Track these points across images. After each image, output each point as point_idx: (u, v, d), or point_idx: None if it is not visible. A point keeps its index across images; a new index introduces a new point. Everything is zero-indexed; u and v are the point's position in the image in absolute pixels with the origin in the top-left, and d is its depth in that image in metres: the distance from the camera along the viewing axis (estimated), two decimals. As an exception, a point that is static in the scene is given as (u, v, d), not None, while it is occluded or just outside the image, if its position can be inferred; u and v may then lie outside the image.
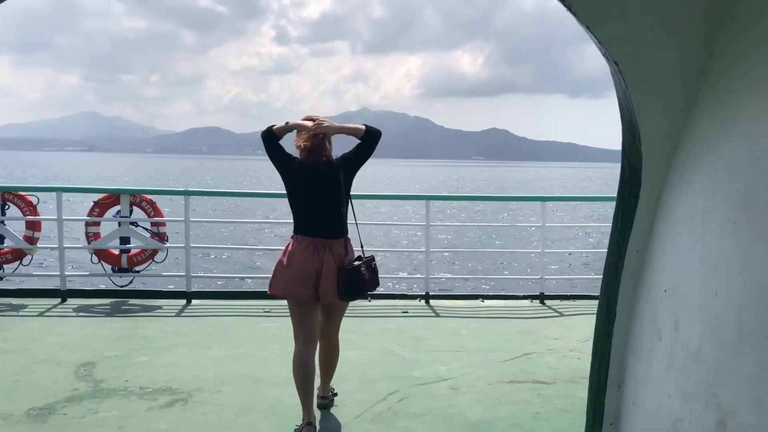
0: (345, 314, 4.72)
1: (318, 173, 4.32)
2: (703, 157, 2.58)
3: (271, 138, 4.39)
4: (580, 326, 7.18)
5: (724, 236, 2.36)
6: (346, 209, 4.43)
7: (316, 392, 4.56)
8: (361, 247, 4.58)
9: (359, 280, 4.30)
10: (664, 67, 2.66)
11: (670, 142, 2.77)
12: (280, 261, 4.36)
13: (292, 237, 4.43)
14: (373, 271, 4.46)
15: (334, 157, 4.43)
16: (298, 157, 4.38)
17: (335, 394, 4.90)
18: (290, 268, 4.28)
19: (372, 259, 4.50)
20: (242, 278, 13.75)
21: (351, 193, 4.48)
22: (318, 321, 4.50)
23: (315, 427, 4.31)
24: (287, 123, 4.41)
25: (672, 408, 2.65)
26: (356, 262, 4.34)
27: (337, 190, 4.33)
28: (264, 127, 4.42)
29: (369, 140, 4.41)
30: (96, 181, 64.56)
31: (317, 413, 4.57)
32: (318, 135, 4.30)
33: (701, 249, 2.52)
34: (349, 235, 4.47)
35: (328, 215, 4.35)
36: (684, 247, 2.65)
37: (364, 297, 4.48)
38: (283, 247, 4.46)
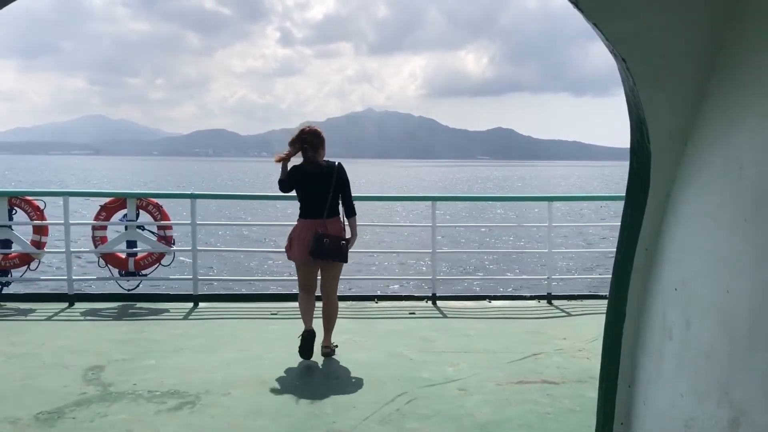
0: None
1: (312, 175, 5.91)
2: (713, 154, 2.56)
3: (284, 184, 6.04)
4: (588, 326, 7.15)
5: (736, 233, 2.34)
6: (335, 198, 5.92)
7: (319, 342, 6.04)
8: (346, 229, 6.06)
9: (321, 246, 5.80)
10: (673, 63, 2.64)
11: (679, 138, 2.75)
12: (290, 236, 6.06)
13: (298, 220, 6.03)
14: (339, 247, 5.88)
15: (325, 162, 5.97)
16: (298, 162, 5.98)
17: (336, 346, 6.17)
18: (297, 241, 5.94)
19: (342, 238, 5.93)
20: (249, 281, 13.76)
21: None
22: (315, 277, 6.11)
23: (313, 332, 5.96)
24: (282, 160, 5.95)
25: (684, 407, 2.63)
26: (325, 236, 5.82)
27: (327, 186, 5.86)
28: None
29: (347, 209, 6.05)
30: (101, 186, 64.81)
31: (329, 412, 4.60)
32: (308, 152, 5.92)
33: (712, 246, 2.49)
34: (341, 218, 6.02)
35: (320, 203, 5.87)
36: (694, 245, 2.63)
37: (324, 259, 5.94)
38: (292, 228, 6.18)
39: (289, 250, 6.05)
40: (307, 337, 5.92)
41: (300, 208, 6.01)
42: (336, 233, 5.90)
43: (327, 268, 6.03)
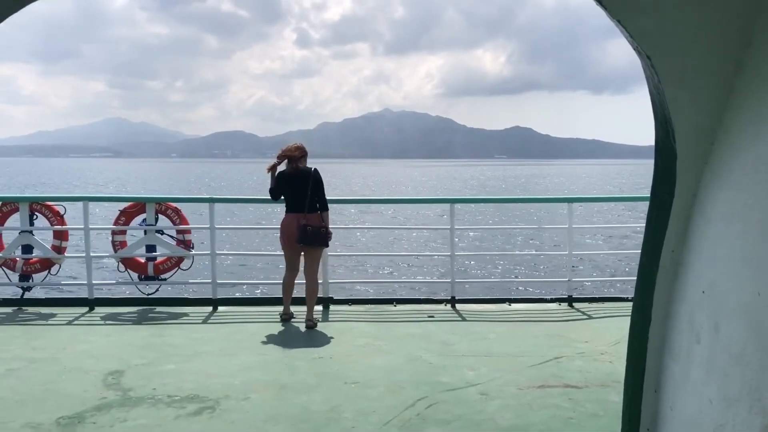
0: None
1: (293, 178, 7.37)
2: (741, 152, 2.49)
3: (274, 192, 7.54)
4: (610, 329, 7.05)
5: (766, 234, 2.27)
6: (313, 196, 7.27)
7: (293, 308, 7.68)
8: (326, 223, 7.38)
9: (305, 234, 7.21)
10: (699, 60, 2.57)
11: (705, 137, 2.68)
12: (280, 228, 7.44)
13: (285, 213, 7.42)
14: (320, 234, 7.28)
15: (307, 167, 7.41)
16: (284, 169, 7.44)
17: (317, 319, 7.46)
18: (283, 230, 7.38)
19: (321, 228, 7.29)
20: (268, 284, 13.76)
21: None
22: (298, 259, 7.47)
23: (291, 314, 7.61)
24: (271, 169, 7.45)
25: (713, 413, 2.55)
26: (308, 226, 7.21)
27: (305, 186, 7.27)
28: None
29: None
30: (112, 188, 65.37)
31: (341, 405, 4.57)
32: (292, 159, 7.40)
33: (741, 247, 2.42)
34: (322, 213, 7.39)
35: (302, 200, 7.28)
36: (722, 246, 2.56)
37: (312, 246, 7.33)
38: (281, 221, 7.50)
39: (281, 239, 7.44)
40: (287, 320, 7.53)
41: (285, 204, 7.47)
42: (316, 224, 7.26)
43: (308, 252, 7.41)
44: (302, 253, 7.48)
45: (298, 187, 7.34)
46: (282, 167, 7.50)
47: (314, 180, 7.31)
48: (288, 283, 7.61)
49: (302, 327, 7.32)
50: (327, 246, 7.54)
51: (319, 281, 8.25)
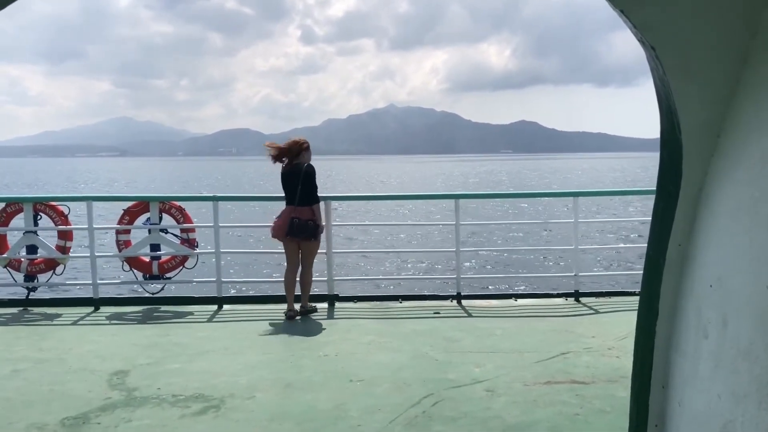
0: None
1: (287, 174, 7.73)
2: (748, 145, 2.44)
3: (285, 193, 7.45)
4: (616, 324, 7.01)
5: None
6: (303, 190, 7.59)
7: (297, 305, 7.78)
8: (320, 217, 7.75)
9: (292, 226, 7.51)
10: (705, 51, 2.52)
11: (711, 130, 2.64)
12: (276, 218, 7.77)
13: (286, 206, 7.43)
14: (308, 227, 7.53)
15: (298, 164, 7.69)
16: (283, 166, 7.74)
17: (313, 308, 7.91)
18: (277, 221, 7.71)
19: (310, 221, 7.55)
20: (273, 282, 13.76)
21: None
22: (295, 253, 7.76)
23: (296, 312, 7.70)
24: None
25: (722, 409, 2.52)
26: (296, 219, 7.53)
27: (296, 181, 7.62)
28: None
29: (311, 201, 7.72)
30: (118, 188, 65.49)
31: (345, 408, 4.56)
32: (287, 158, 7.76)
33: (749, 241, 2.38)
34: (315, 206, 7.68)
35: (292, 194, 7.64)
36: (730, 240, 2.52)
37: (299, 237, 7.58)
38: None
39: (274, 229, 7.73)
40: (292, 317, 7.63)
41: (286, 197, 7.83)
42: (305, 217, 7.54)
43: (303, 246, 7.70)
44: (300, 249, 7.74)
45: (290, 182, 7.70)
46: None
47: (305, 174, 7.63)
48: (289, 280, 7.76)
49: (306, 324, 7.31)
50: (316, 239, 7.68)
51: (324, 279, 8.26)
